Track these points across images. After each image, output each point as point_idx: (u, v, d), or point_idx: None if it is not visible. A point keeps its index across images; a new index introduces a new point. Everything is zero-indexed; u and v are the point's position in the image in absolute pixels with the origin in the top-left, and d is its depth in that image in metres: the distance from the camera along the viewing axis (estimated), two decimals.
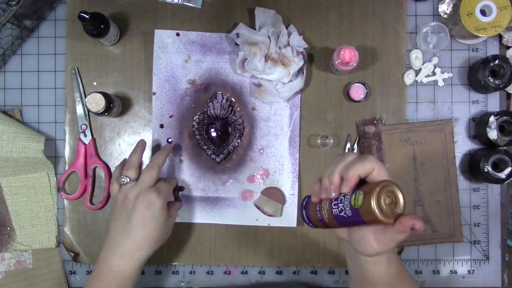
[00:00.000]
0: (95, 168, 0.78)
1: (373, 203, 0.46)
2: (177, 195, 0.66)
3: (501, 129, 0.75)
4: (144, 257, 0.64)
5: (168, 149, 0.72)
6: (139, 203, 0.63)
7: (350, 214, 0.48)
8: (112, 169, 0.78)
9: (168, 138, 0.78)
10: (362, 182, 0.50)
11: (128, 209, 0.64)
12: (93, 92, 0.69)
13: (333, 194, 0.50)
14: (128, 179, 0.66)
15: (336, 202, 0.51)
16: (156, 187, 0.66)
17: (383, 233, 0.49)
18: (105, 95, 0.70)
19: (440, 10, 0.78)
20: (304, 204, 0.57)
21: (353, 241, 0.53)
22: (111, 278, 0.63)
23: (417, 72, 0.79)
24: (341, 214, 0.50)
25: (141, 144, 0.71)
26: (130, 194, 0.64)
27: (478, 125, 0.78)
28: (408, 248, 0.79)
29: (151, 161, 0.68)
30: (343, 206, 0.49)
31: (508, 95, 0.79)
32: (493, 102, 0.79)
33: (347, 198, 0.49)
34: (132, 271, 0.63)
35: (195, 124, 0.78)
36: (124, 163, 0.71)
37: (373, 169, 0.49)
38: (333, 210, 0.51)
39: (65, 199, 0.77)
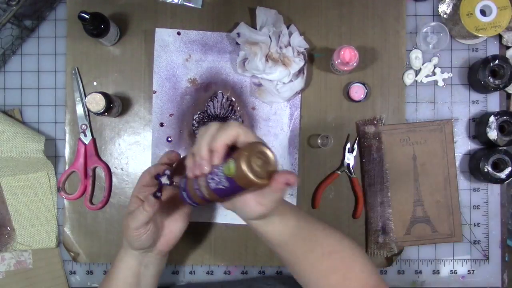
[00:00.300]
0: (95, 168, 0.78)
1: (244, 167, 0.45)
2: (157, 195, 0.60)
3: (501, 129, 0.75)
4: (148, 255, 0.64)
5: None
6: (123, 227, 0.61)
7: (227, 185, 0.47)
8: (112, 169, 0.78)
9: (168, 137, 0.78)
10: (233, 150, 0.49)
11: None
12: (93, 92, 0.69)
13: (206, 168, 0.49)
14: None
15: (211, 176, 0.49)
16: (130, 212, 0.59)
17: (262, 194, 0.49)
18: (105, 95, 0.70)
19: (440, 10, 0.78)
20: (183, 186, 0.55)
21: (237, 210, 0.53)
22: (122, 269, 0.63)
23: (417, 72, 0.79)
24: (218, 186, 0.49)
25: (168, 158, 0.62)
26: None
27: (478, 125, 0.78)
28: (408, 248, 0.79)
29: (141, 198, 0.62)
30: (218, 178, 0.48)
31: (508, 95, 0.80)
32: (493, 102, 0.79)
33: (220, 169, 0.48)
34: (139, 266, 0.64)
35: (195, 123, 0.78)
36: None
37: (237, 134, 0.48)
38: (210, 184, 0.49)
39: (65, 199, 0.77)
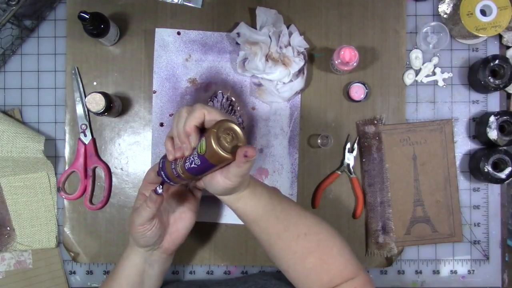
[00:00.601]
0: (95, 168, 0.78)
1: (214, 143, 0.48)
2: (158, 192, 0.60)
3: (501, 129, 0.75)
4: (152, 254, 0.64)
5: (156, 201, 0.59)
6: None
7: (199, 162, 0.50)
8: (112, 169, 0.78)
9: None
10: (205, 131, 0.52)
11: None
12: (93, 92, 0.69)
13: (186, 152, 0.52)
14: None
15: (187, 156, 0.52)
16: (135, 209, 0.60)
17: (227, 169, 0.51)
18: (105, 95, 0.70)
19: (440, 10, 0.78)
20: (161, 166, 0.57)
21: (206, 186, 0.55)
22: (127, 266, 0.64)
23: (417, 72, 0.79)
24: (192, 165, 0.51)
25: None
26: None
27: (478, 125, 0.78)
28: (408, 248, 0.79)
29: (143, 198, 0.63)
30: (192, 157, 0.51)
31: (508, 95, 0.79)
32: (493, 102, 0.79)
33: (195, 149, 0.51)
34: (144, 265, 0.64)
35: None
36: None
37: (203, 115, 0.51)
38: (186, 164, 0.52)
39: (65, 199, 0.77)
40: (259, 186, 0.58)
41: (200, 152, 0.50)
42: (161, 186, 0.56)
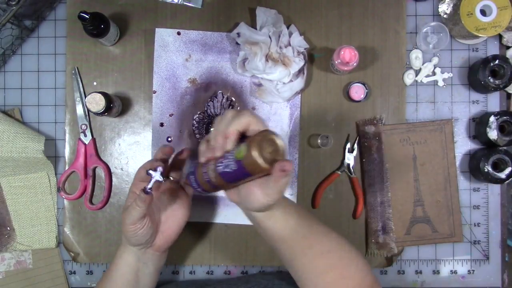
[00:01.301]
0: (95, 168, 0.78)
1: (255, 151, 0.47)
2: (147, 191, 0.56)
3: (501, 129, 0.75)
4: (145, 252, 0.64)
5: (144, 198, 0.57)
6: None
7: (235, 167, 0.49)
8: (112, 169, 0.78)
9: (168, 137, 0.78)
10: (245, 138, 0.52)
11: None
12: (93, 92, 0.69)
13: (218, 153, 0.52)
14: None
15: (221, 159, 0.52)
16: (126, 208, 0.60)
17: (267, 184, 0.51)
18: (105, 95, 0.70)
19: (440, 10, 0.78)
20: (192, 170, 0.57)
21: (242, 199, 0.55)
22: (121, 265, 0.64)
23: (417, 72, 0.79)
24: (226, 170, 0.51)
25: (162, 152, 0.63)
26: None
27: (478, 125, 0.78)
28: (408, 248, 0.79)
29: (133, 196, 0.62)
30: (227, 161, 0.50)
31: (508, 95, 0.80)
32: (493, 102, 0.79)
33: (231, 153, 0.50)
34: (138, 263, 0.64)
35: (195, 123, 0.78)
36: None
37: (249, 122, 0.51)
38: (218, 167, 0.52)
39: (65, 199, 0.77)
40: (290, 205, 0.59)
41: (238, 157, 0.49)
42: (150, 185, 0.55)
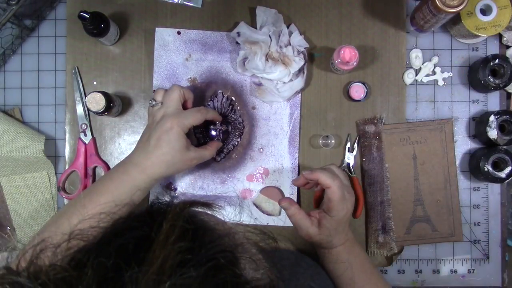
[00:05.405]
0: (95, 167, 0.78)
1: None
2: (216, 135, 0.76)
3: (501, 128, 0.75)
4: (156, 175, 0.65)
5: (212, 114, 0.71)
6: (159, 126, 0.65)
7: None
8: None
9: None
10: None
11: (151, 129, 0.66)
12: (93, 92, 0.69)
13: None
14: (154, 102, 0.68)
15: None
16: (177, 114, 0.65)
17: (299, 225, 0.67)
18: (105, 94, 0.70)
19: None
20: None
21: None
22: (122, 181, 0.65)
23: (417, 72, 0.79)
24: None
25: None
26: (156, 116, 0.67)
27: (478, 124, 0.78)
28: (408, 247, 0.79)
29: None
30: None
31: (508, 94, 0.80)
32: (493, 101, 0.79)
33: None
34: (141, 183, 0.65)
35: None
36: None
37: (329, 187, 0.64)
38: None
39: (65, 199, 0.77)
40: (357, 246, 0.69)
41: None
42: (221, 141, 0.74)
